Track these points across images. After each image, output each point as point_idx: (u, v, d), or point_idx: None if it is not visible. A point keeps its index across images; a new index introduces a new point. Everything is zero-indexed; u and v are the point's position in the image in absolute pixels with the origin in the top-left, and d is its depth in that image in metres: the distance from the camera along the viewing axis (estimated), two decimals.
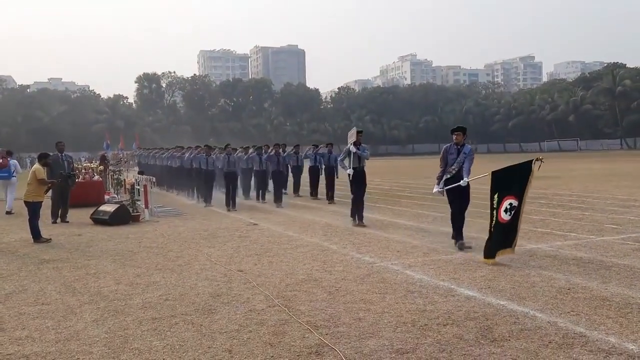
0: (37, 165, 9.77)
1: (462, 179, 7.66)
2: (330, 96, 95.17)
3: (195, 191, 16.47)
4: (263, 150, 15.68)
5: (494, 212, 6.80)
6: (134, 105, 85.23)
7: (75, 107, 73.58)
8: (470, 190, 8.01)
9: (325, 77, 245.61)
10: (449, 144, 8.01)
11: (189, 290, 5.80)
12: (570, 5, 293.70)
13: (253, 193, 16.14)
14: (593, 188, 16.65)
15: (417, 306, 5.00)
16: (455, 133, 7.94)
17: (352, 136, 10.33)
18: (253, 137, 63.46)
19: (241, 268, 6.81)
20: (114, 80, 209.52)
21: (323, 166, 15.94)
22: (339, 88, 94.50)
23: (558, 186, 17.82)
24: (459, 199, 7.87)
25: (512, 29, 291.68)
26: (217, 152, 15.50)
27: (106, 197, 15.29)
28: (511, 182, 6.80)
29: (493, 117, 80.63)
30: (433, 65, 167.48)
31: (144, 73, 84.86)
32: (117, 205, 11.64)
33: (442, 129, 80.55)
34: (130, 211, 11.63)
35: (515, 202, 6.65)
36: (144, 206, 12.25)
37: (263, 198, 15.44)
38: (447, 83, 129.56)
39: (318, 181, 16.22)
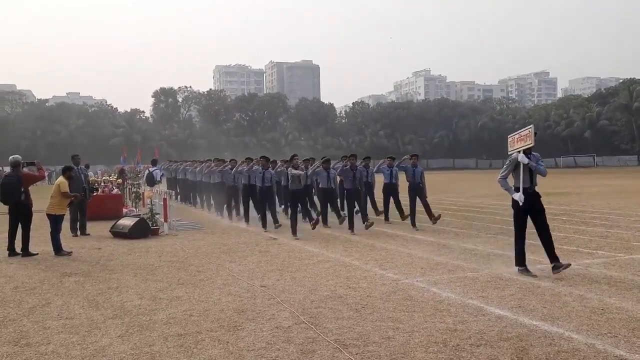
0: (61, 178, 9.83)
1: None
2: (345, 111, 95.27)
3: (233, 210, 14.32)
4: (310, 164, 12.89)
5: None
6: (150, 119, 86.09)
7: (92, 121, 74.37)
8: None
9: (339, 92, 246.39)
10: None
11: (213, 306, 5.73)
12: (585, 21, 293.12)
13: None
14: (615, 205, 16.36)
15: (447, 325, 4.87)
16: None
17: (524, 139, 6.90)
18: (268, 152, 63.50)
19: (264, 283, 6.73)
20: (131, 95, 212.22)
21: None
22: (353, 103, 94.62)
23: (579, 202, 17.55)
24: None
25: (526, 45, 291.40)
26: (268, 166, 12.66)
27: (125, 210, 15.34)
28: None
29: (508, 133, 79.54)
30: (447, 81, 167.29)
31: (160, 88, 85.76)
32: (136, 219, 11.66)
33: (457, 144, 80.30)
34: (150, 225, 11.64)
35: None
36: (163, 220, 12.25)
37: (325, 222, 12.60)
38: (461, 98, 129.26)
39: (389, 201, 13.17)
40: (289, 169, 11.69)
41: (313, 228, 11.23)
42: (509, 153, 7.19)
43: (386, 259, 8.24)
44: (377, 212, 13.61)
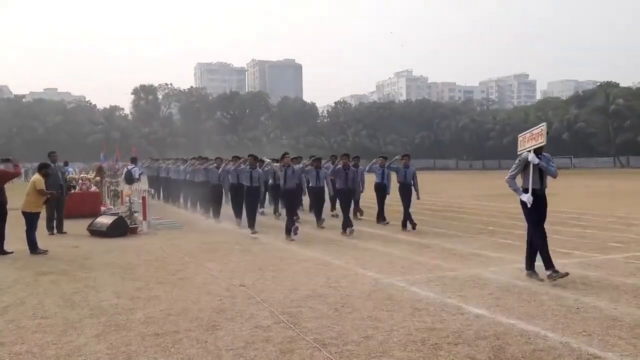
0: (37, 176, 9.66)
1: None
2: (327, 110, 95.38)
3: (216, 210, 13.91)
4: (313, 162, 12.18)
5: None
6: (129, 116, 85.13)
7: (70, 118, 73.27)
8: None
9: (321, 92, 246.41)
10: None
11: (192, 305, 5.69)
12: (564, 25, 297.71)
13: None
14: (592, 206, 16.65)
15: (425, 324, 4.91)
16: None
17: (536, 138, 6.67)
18: (250, 150, 63.21)
19: (244, 283, 6.70)
20: (110, 92, 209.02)
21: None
22: (335, 102, 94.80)
23: (557, 203, 17.79)
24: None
25: (507, 47, 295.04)
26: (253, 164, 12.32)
27: (103, 208, 15.13)
28: None
29: (488, 134, 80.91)
30: (429, 82, 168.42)
31: (140, 85, 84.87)
32: (114, 217, 11.52)
33: (438, 145, 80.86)
34: (128, 223, 11.50)
35: None
36: (142, 218, 12.12)
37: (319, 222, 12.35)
38: (442, 99, 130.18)
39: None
40: (277, 165, 11.59)
41: (295, 234, 10.44)
42: (518, 152, 6.92)
43: (366, 259, 8.26)
44: (360, 214, 13.68)
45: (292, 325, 4.91)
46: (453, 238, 10.34)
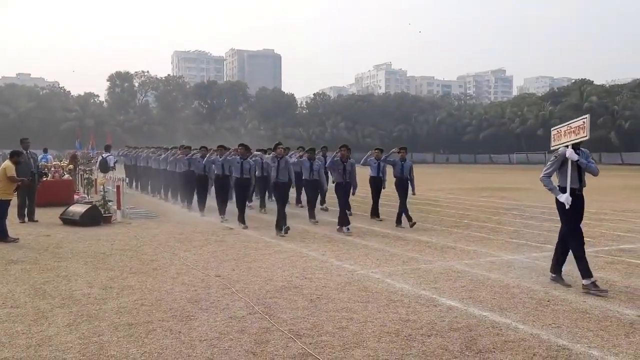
0: (7, 162, 9.44)
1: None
2: (306, 102, 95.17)
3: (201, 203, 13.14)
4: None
5: None
6: (105, 104, 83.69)
7: (43, 104, 71.65)
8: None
9: (300, 83, 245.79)
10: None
11: (166, 296, 5.64)
12: (541, 23, 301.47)
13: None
14: None
15: (400, 316, 4.95)
16: None
17: (576, 131, 6.00)
18: (227, 141, 62.82)
19: (219, 273, 6.66)
20: (85, 78, 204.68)
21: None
22: (314, 94, 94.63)
23: (530, 198, 18.11)
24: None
25: (485, 43, 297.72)
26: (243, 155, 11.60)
27: (76, 197, 14.88)
28: None
29: (465, 128, 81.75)
30: (407, 75, 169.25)
31: (116, 72, 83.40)
32: (88, 206, 11.33)
33: (416, 138, 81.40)
34: (102, 212, 11.33)
35: None
36: (116, 207, 11.95)
37: (312, 216, 11.76)
38: (421, 93, 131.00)
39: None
40: (268, 156, 10.80)
41: (285, 233, 9.77)
42: (552, 148, 6.35)
43: (342, 250, 8.29)
44: (322, 205, 13.66)
45: (267, 316, 4.91)
46: (429, 231, 10.44)
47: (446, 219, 12.28)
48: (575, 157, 5.93)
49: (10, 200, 9.57)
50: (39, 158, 13.78)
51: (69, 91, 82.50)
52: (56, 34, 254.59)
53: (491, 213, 13.76)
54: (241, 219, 11.02)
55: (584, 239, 6.15)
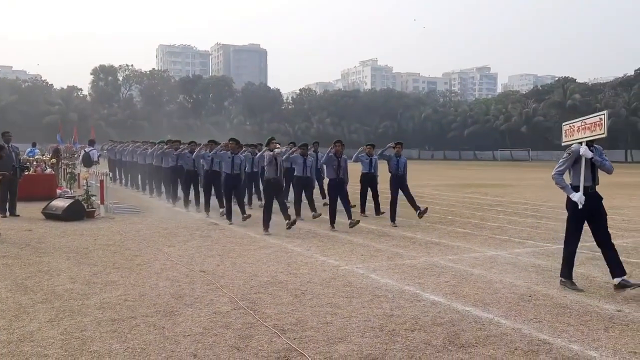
0: None
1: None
2: (292, 97, 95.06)
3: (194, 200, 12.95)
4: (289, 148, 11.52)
5: None
6: (88, 97, 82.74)
7: (25, 97, 70.69)
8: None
9: (287, 78, 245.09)
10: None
11: (150, 291, 5.61)
12: (526, 21, 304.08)
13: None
14: (546, 197, 17.18)
15: (384, 311, 4.98)
16: None
17: (591, 128, 5.71)
18: (212, 136, 62.49)
19: (203, 268, 6.64)
20: (68, 71, 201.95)
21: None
22: (300, 89, 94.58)
23: (513, 194, 18.31)
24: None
25: (470, 40, 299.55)
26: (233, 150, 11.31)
27: (58, 191, 14.71)
28: None
29: (450, 125, 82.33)
30: (393, 72, 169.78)
31: (100, 65, 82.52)
32: (71, 200, 11.20)
33: (401, 135, 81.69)
34: (85, 207, 11.22)
35: None
36: (99, 202, 11.83)
37: (298, 213, 11.44)
38: (406, 89, 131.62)
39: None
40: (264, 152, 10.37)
41: (288, 228, 9.54)
42: (563, 144, 6.11)
43: (327, 246, 8.31)
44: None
45: (251, 312, 4.91)
46: (413, 227, 10.50)
47: (430, 215, 12.34)
48: (590, 154, 5.67)
49: None
50: (27, 152, 13.61)
51: (52, 84, 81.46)
52: (39, 26, 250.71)
53: (475, 209, 13.88)
54: (228, 216, 10.90)
55: (613, 243, 5.82)
